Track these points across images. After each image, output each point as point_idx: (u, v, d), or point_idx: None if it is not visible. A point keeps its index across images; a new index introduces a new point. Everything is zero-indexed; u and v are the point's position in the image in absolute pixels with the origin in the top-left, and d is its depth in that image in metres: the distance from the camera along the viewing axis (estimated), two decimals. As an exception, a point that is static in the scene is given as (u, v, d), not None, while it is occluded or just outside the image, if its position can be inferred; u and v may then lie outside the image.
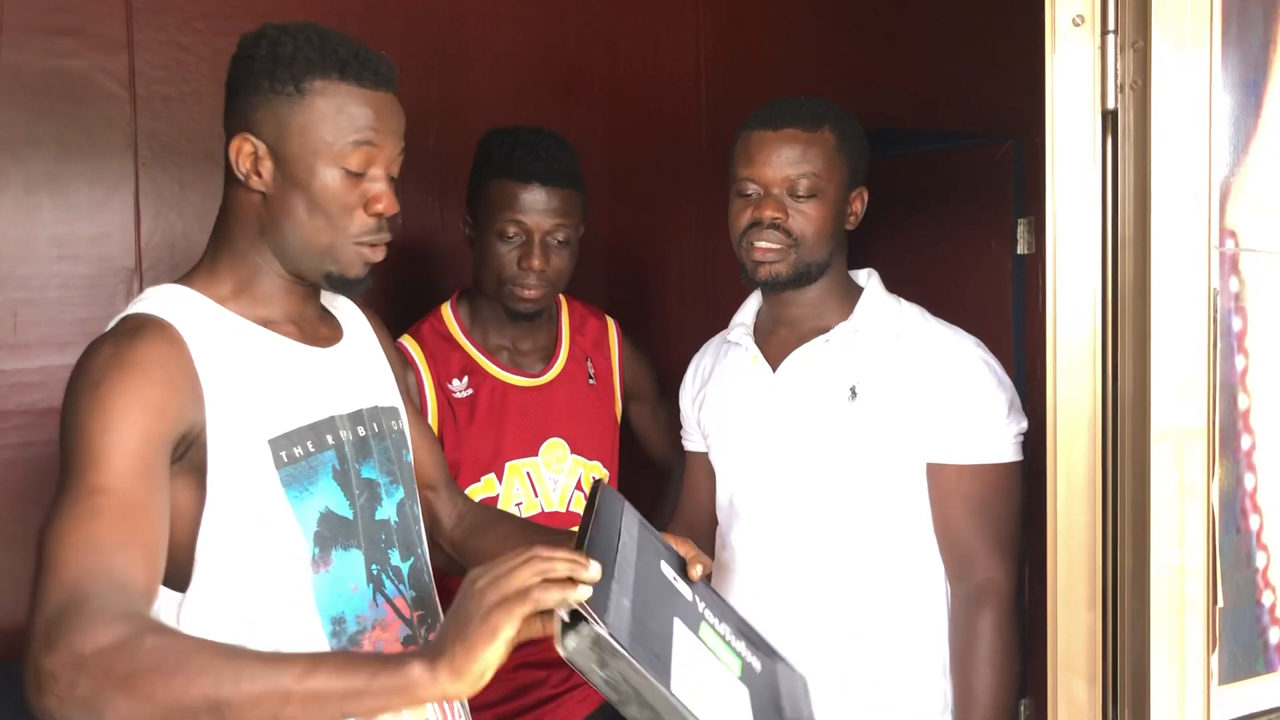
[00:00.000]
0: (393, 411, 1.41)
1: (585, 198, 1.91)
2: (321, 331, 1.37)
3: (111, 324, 1.22)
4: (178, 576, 1.17)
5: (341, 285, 1.30)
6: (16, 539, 2.00)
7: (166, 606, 1.17)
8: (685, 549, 1.24)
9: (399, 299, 2.37)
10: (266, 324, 1.29)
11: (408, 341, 1.91)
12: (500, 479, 1.89)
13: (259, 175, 1.25)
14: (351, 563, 1.27)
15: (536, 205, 1.82)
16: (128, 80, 2.12)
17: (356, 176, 1.25)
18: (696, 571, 1.21)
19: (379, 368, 1.45)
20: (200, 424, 1.17)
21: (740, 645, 1.19)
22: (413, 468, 1.43)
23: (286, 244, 1.27)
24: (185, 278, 1.29)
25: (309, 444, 1.25)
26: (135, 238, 2.15)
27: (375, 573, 1.29)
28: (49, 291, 2.08)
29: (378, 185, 1.27)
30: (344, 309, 1.46)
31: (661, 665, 0.96)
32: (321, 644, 1.22)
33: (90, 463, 1.08)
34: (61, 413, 1.13)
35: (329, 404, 1.30)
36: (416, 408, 1.67)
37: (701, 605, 1.18)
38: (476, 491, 1.87)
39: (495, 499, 1.88)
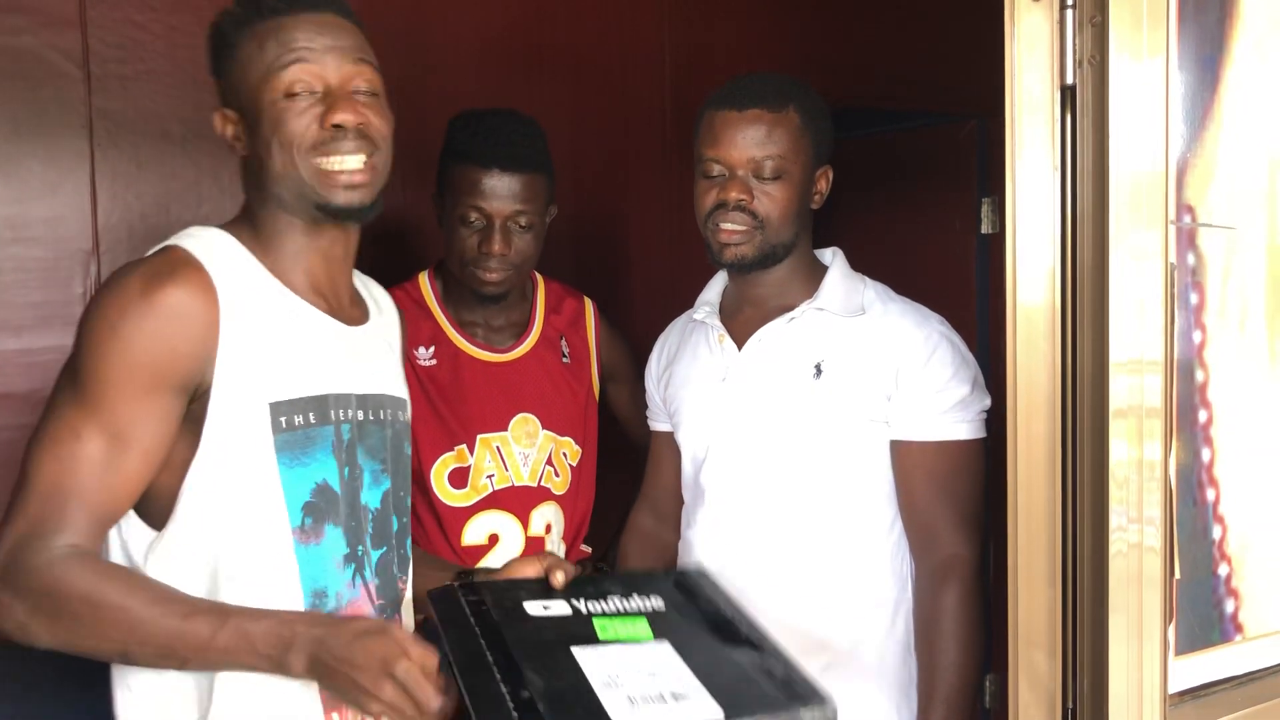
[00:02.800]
0: (401, 403, 1.41)
1: (552, 180, 1.90)
2: (350, 311, 1.37)
3: (154, 249, 1.24)
4: (157, 516, 1.21)
5: (339, 214, 1.27)
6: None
7: (137, 541, 1.21)
8: (532, 569, 1.29)
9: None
10: (299, 291, 1.29)
11: None
12: (471, 450, 1.91)
13: (239, 141, 1.28)
14: (336, 539, 1.27)
15: (498, 191, 1.82)
16: (81, 59, 2.08)
17: (294, 97, 1.23)
18: (559, 579, 1.25)
19: (396, 359, 1.46)
20: (210, 377, 1.19)
21: (634, 602, 1.22)
22: (409, 462, 1.42)
23: (272, 189, 1.26)
24: (230, 225, 1.31)
25: (310, 415, 1.25)
26: (92, 219, 2.11)
27: (360, 554, 1.30)
28: (3, 275, 2.03)
29: (329, 100, 1.24)
30: (379, 297, 1.48)
31: (597, 711, 0.99)
32: (293, 590, 1.24)
33: (96, 389, 1.15)
34: (79, 328, 1.18)
35: (341, 381, 1.30)
36: None
37: (583, 605, 1.20)
38: (449, 461, 1.90)
39: (467, 469, 1.91)
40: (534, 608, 1.19)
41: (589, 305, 2.11)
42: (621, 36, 2.73)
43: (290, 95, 1.23)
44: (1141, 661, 1.15)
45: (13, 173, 2.05)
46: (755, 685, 1.08)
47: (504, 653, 1.08)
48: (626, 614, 1.19)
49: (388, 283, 1.97)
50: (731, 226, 1.63)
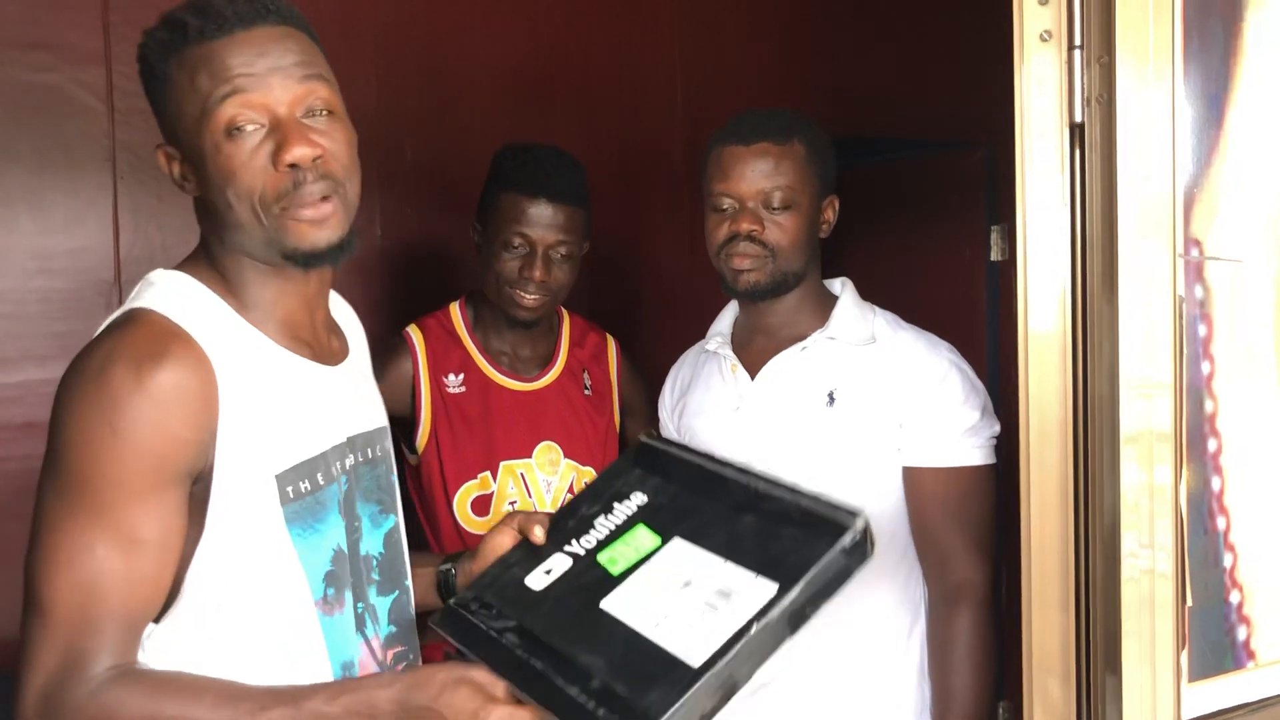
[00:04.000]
0: (384, 432, 1.33)
1: (590, 215, 1.95)
2: (331, 345, 1.26)
3: (123, 315, 1.10)
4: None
5: (310, 261, 1.13)
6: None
7: None
8: (508, 538, 1.22)
9: (368, 306, 2.38)
10: (279, 339, 1.17)
11: (412, 330, 1.99)
12: (495, 477, 1.94)
13: (187, 181, 1.14)
14: (353, 605, 1.20)
15: (542, 219, 1.87)
16: (105, 93, 2.13)
17: (239, 133, 1.08)
18: (538, 534, 1.18)
19: (373, 385, 1.38)
20: (212, 456, 1.08)
21: (619, 513, 1.15)
22: (396, 488, 1.34)
23: (234, 236, 1.13)
24: (191, 267, 1.17)
25: (318, 477, 1.16)
26: (114, 251, 2.15)
27: (360, 612, 1.22)
28: (28, 306, 2.08)
29: (279, 132, 1.08)
30: (346, 318, 1.37)
31: (668, 660, 0.94)
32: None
33: (101, 494, 1.02)
34: (63, 422, 1.04)
35: (334, 431, 1.20)
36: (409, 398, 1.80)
37: (578, 548, 1.13)
38: (472, 489, 1.93)
39: (490, 496, 1.94)
40: (536, 579, 1.13)
41: (611, 341, 2.16)
42: (634, 69, 2.78)
43: (231, 134, 1.07)
44: (1155, 688, 1.17)
45: (38, 205, 2.09)
46: (783, 538, 1.02)
47: (545, 648, 1.02)
48: (622, 532, 1.12)
49: (418, 312, 2.02)
50: (744, 256, 1.66)
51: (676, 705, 0.89)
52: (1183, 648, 1.18)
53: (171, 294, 1.12)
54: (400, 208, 2.46)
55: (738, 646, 0.93)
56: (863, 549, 1.00)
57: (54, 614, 1.01)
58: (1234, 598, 1.23)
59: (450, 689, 1.00)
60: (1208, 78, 1.20)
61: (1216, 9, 1.19)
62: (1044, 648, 1.23)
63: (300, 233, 1.10)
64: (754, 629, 0.93)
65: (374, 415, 1.32)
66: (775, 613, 0.95)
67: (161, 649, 1.09)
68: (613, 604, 1.03)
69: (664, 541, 1.08)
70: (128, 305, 1.12)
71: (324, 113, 1.12)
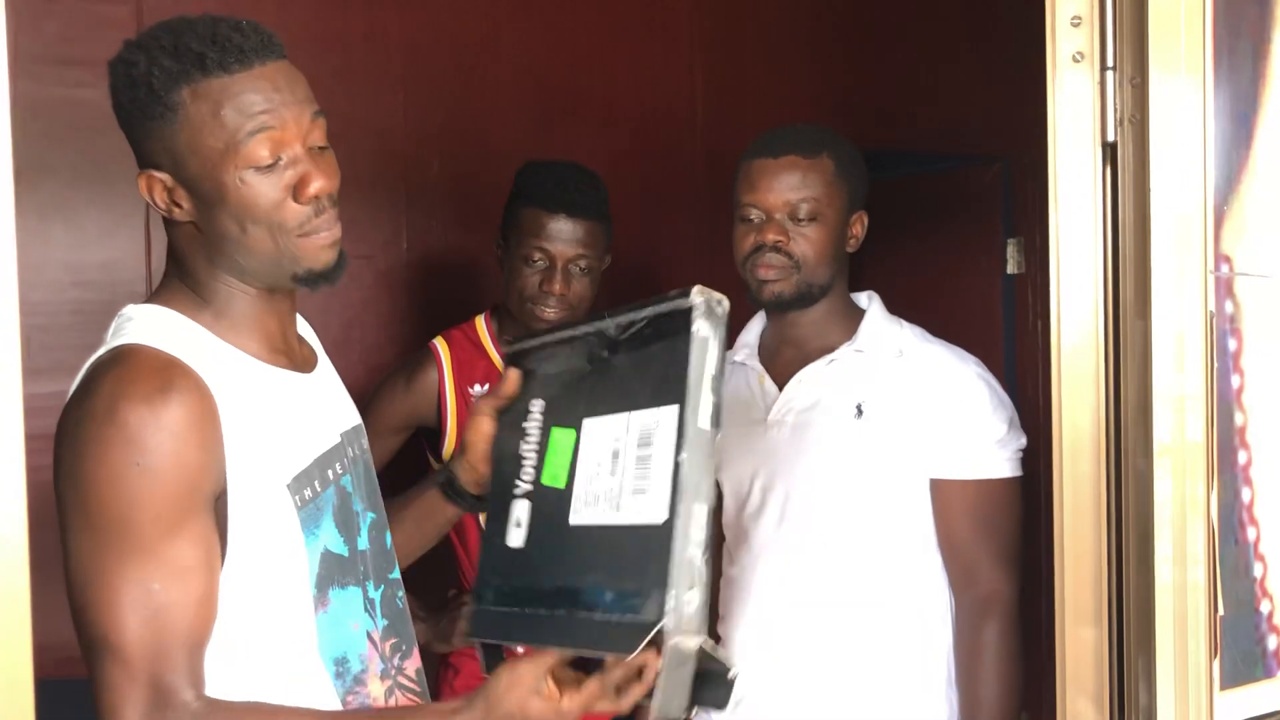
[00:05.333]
0: (361, 430, 1.35)
1: (610, 230, 1.98)
2: (304, 353, 1.29)
3: (109, 354, 1.11)
4: None
5: (316, 280, 1.18)
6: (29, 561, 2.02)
7: None
8: (482, 419, 1.28)
9: (395, 319, 2.42)
10: (261, 355, 1.20)
11: (438, 342, 2.02)
12: None
13: (179, 207, 1.14)
14: (350, 600, 1.21)
15: (562, 234, 1.91)
16: (138, 109, 2.16)
17: (269, 168, 1.11)
18: (511, 382, 1.25)
19: (342, 386, 1.38)
20: (225, 475, 1.11)
21: (536, 432, 1.19)
22: (377, 487, 1.35)
23: (241, 265, 1.15)
24: (164, 298, 1.19)
25: (316, 484, 1.19)
26: (146, 264, 2.19)
27: (366, 608, 1.24)
28: (61, 317, 2.10)
29: (299, 167, 1.12)
30: (303, 326, 1.37)
31: (642, 533, 0.98)
32: (326, 688, 1.19)
33: (144, 533, 1.04)
34: (86, 467, 1.05)
35: (329, 431, 1.24)
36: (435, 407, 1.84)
37: (527, 483, 1.16)
38: None
39: None
40: (514, 537, 1.16)
41: None
42: (653, 84, 2.81)
43: (262, 170, 1.11)
44: (1188, 696, 1.19)
45: (72, 219, 2.12)
46: (654, 355, 1.06)
47: (559, 593, 1.06)
48: (545, 447, 1.16)
49: (444, 324, 2.05)
50: (769, 266, 1.69)
51: (670, 565, 0.94)
52: (1215, 656, 1.20)
53: (153, 326, 1.13)
54: (426, 222, 2.49)
55: (681, 478, 0.97)
56: (716, 312, 1.03)
57: (132, 655, 1.04)
58: (1264, 607, 1.25)
59: (514, 692, 1.05)
60: (1237, 98, 1.23)
61: (1245, 32, 1.22)
62: (1077, 664, 1.25)
63: (315, 255, 1.15)
64: (683, 457, 0.97)
65: (349, 413, 1.34)
66: (691, 430, 0.98)
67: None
68: (578, 515, 1.07)
69: (578, 431, 1.12)
70: (111, 343, 1.13)
71: (321, 147, 1.16)
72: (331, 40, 2.32)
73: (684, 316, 1.03)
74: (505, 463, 1.23)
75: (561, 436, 1.14)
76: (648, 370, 1.06)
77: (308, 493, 1.17)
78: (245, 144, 1.09)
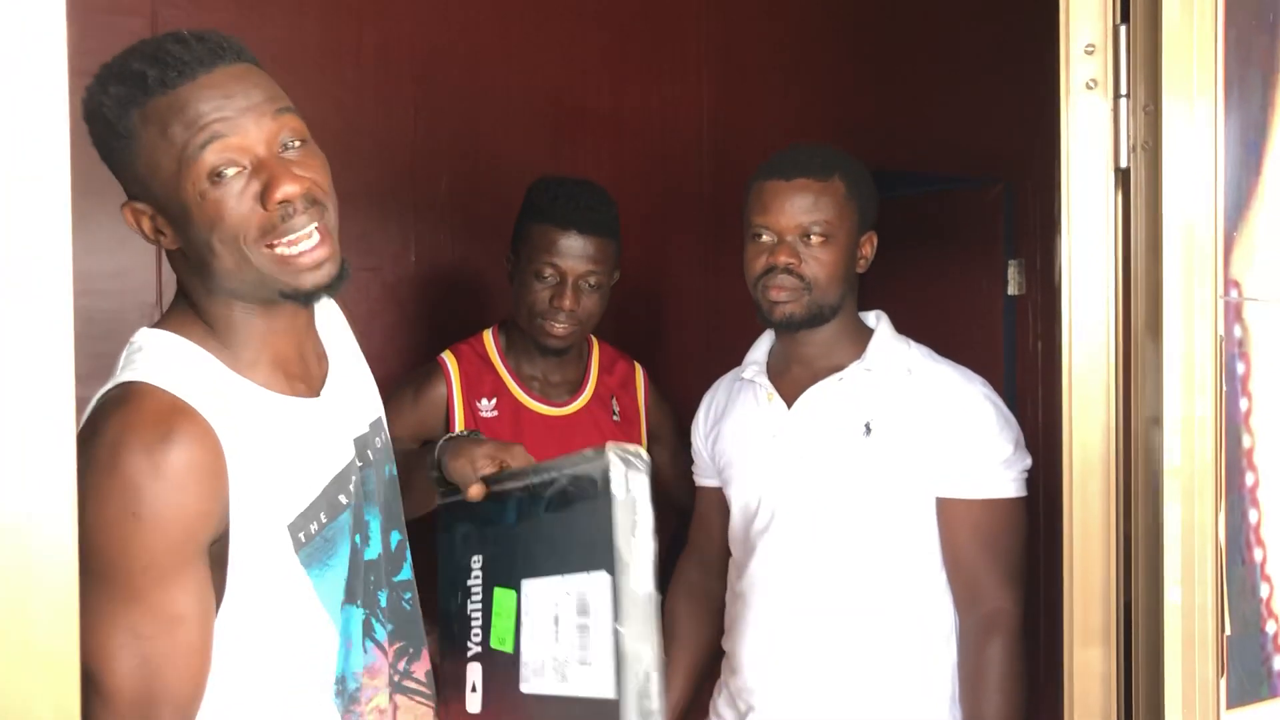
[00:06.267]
0: (380, 424, 1.33)
1: (619, 247, 2.00)
2: (319, 368, 1.26)
3: (118, 389, 1.09)
4: None
5: (307, 297, 1.15)
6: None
7: None
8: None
9: (402, 331, 2.43)
10: (272, 384, 1.18)
11: (447, 356, 2.04)
12: None
13: (163, 234, 1.12)
14: (350, 620, 1.21)
15: (572, 250, 1.93)
16: (151, 119, 2.17)
17: (229, 178, 1.07)
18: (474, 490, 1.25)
19: (363, 373, 1.35)
20: (227, 519, 1.10)
21: (478, 591, 1.19)
22: (396, 481, 1.34)
23: (226, 286, 1.12)
24: (176, 323, 1.17)
25: (322, 516, 1.17)
26: (156, 273, 2.20)
27: (365, 619, 1.24)
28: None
29: (264, 172, 1.08)
30: (332, 313, 1.35)
31: (595, 706, 0.98)
32: (327, 705, 1.19)
33: (136, 580, 1.04)
34: (85, 511, 1.01)
35: (335, 458, 1.21)
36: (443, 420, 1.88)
37: (475, 645, 1.17)
38: None
39: None
40: (473, 703, 1.17)
41: (639, 370, 2.21)
42: (662, 103, 2.84)
43: (215, 180, 1.06)
44: (1195, 715, 1.20)
45: (83, 228, 2.09)
46: (579, 515, 1.05)
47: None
48: (490, 607, 1.16)
49: (453, 338, 2.07)
50: (780, 288, 1.71)
51: None
52: (1221, 675, 1.22)
53: (162, 361, 1.11)
54: (435, 235, 2.50)
55: (623, 650, 0.96)
56: (636, 465, 1.02)
57: (119, 703, 1.04)
58: (1270, 627, 1.26)
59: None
60: (1247, 125, 1.25)
61: (1256, 61, 1.24)
62: (1084, 681, 1.26)
63: (292, 271, 1.11)
64: (623, 628, 0.96)
65: (370, 407, 1.32)
66: (625, 598, 0.97)
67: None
68: (528, 684, 1.07)
69: (518, 592, 1.11)
70: (121, 377, 1.11)
71: (297, 143, 1.12)
72: (344, 53, 2.34)
73: (604, 479, 1.01)
74: (454, 620, 1.23)
75: (504, 597, 1.14)
76: (575, 531, 1.05)
77: (313, 527, 1.16)
78: (196, 157, 1.05)
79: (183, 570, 1.06)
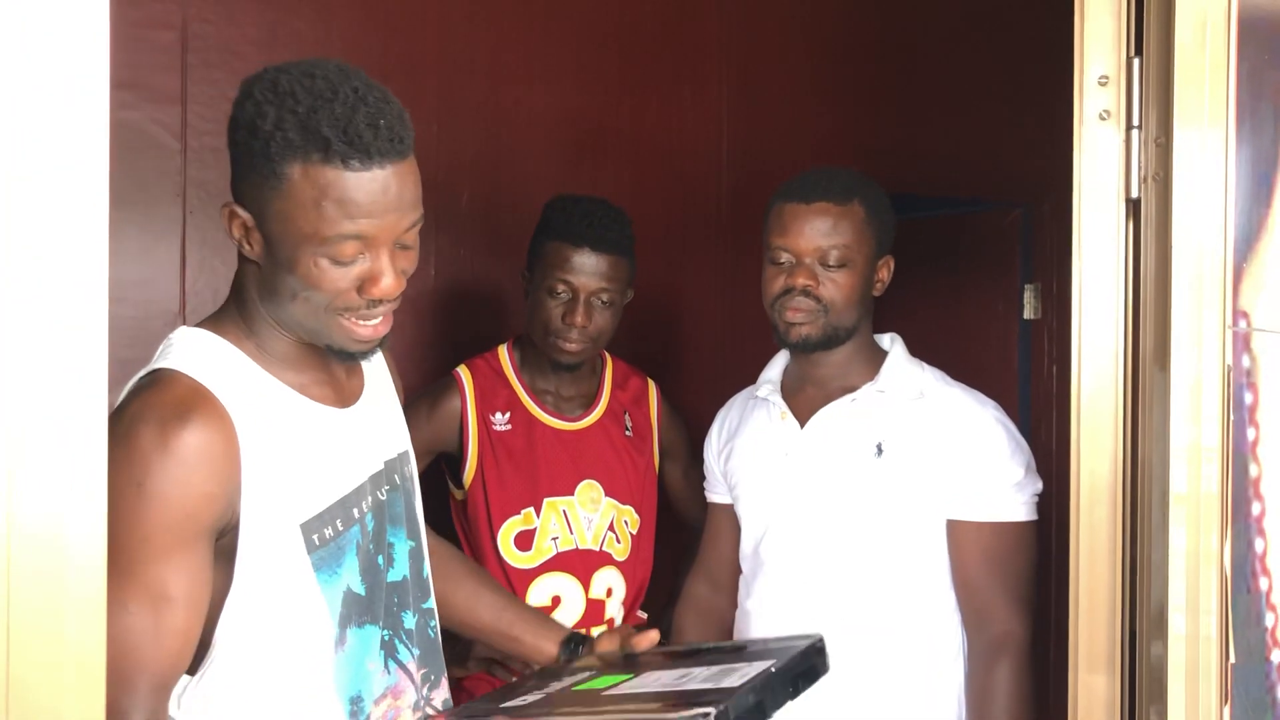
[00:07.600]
0: (407, 457, 1.37)
1: (633, 265, 2.03)
2: (350, 385, 1.31)
3: (147, 376, 1.14)
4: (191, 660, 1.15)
5: (346, 357, 1.22)
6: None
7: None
8: (608, 643, 1.44)
9: (419, 344, 2.46)
10: (299, 387, 1.22)
11: (462, 370, 2.07)
12: (538, 513, 2.02)
13: (250, 245, 1.16)
14: (367, 639, 1.24)
15: (585, 267, 1.96)
16: (180, 131, 2.22)
17: (344, 264, 1.13)
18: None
19: (395, 410, 1.40)
20: (237, 510, 1.13)
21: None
22: (421, 513, 1.39)
23: (282, 317, 1.19)
24: (216, 322, 1.22)
25: (338, 523, 1.20)
26: (180, 282, 2.23)
27: (388, 639, 1.26)
28: (96, 333, 2.14)
29: (375, 264, 1.13)
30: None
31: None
32: (327, 705, 1.20)
33: (131, 553, 1.05)
34: None
35: (358, 470, 1.25)
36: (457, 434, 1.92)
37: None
38: (515, 524, 2.00)
39: (533, 532, 2.00)
40: None
41: (652, 386, 2.23)
42: (681, 123, 2.86)
43: (339, 263, 1.12)
44: (1199, 742, 1.21)
45: (112, 236, 2.14)
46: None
47: None
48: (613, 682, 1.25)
49: (469, 352, 2.09)
50: (797, 310, 1.73)
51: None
52: (1225, 703, 1.22)
53: (193, 352, 1.16)
54: (455, 250, 2.53)
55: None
56: None
57: None
58: (1275, 656, 1.27)
59: None
60: (1258, 158, 1.26)
61: (1268, 94, 1.25)
62: (1089, 707, 1.27)
63: (349, 340, 1.18)
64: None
65: (398, 440, 1.36)
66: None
67: (196, 702, 1.14)
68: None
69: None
70: (152, 365, 1.16)
71: (411, 242, 1.18)
72: (369, 67, 2.35)
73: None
74: None
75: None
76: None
77: (328, 531, 1.18)
78: (334, 242, 1.10)
79: (178, 550, 1.08)
